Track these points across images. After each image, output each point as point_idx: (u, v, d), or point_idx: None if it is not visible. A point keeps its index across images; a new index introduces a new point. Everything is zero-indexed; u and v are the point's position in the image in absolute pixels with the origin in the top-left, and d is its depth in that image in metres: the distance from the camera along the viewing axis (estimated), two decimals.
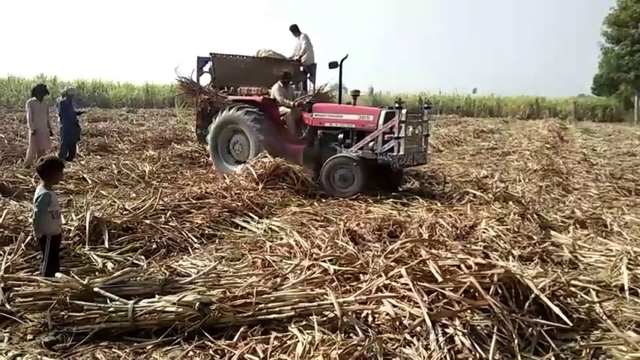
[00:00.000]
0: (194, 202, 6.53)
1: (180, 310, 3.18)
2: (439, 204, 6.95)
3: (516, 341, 3.08)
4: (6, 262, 3.91)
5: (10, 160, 9.84)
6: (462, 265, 3.56)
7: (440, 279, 3.43)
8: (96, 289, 3.36)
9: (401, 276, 3.49)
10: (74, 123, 10.50)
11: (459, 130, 20.34)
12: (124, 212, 5.68)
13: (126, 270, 3.64)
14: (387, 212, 6.49)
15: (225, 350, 3.00)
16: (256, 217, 6.40)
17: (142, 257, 4.75)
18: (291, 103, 8.86)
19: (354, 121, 8.15)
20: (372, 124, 7.94)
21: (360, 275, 3.91)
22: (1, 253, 4.19)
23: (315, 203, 7.33)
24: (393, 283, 3.51)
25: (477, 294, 3.33)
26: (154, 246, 5.07)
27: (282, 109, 9.10)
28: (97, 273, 4.22)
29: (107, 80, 33.92)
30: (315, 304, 3.25)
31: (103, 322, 3.19)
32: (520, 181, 9.20)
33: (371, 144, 7.87)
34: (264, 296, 3.32)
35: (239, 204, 6.62)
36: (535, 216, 6.18)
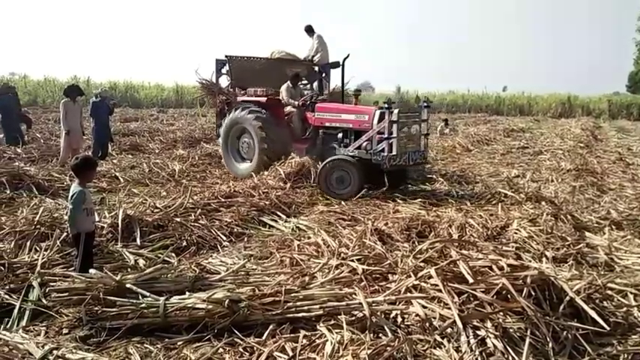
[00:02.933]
0: (223, 200, 6.60)
1: (210, 307, 3.21)
2: (469, 204, 6.85)
3: (550, 345, 3.00)
4: (42, 258, 4.02)
5: (45, 159, 10.11)
6: (494, 266, 3.49)
7: (471, 280, 3.37)
8: (128, 286, 3.42)
9: (430, 276, 3.45)
10: (105, 123, 10.77)
11: (488, 129, 19.98)
12: (155, 210, 5.78)
13: (157, 267, 3.70)
14: (415, 212, 6.41)
15: (255, 348, 3.01)
16: (284, 216, 6.42)
17: (173, 254, 4.82)
18: (296, 103, 8.99)
19: (351, 121, 8.16)
20: (368, 124, 7.90)
21: (389, 275, 3.88)
22: (38, 249, 4.32)
23: (342, 202, 7.32)
24: (423, 284, 3.47)
25: (509, 296, 3.26)
26: (184, 244, 5.16)
27: (288, 108, 9.24)
28: (129, 269, 4.30)
29: (138, 81, 34.74)
30: (344, 303, 3.24)
31: (136, 318, 3.25)
32: (553, 181, 8.98)
33: (365, 144, 7.82)
34: (292, 295, 3.32)
35: (267, 203, 6.66)
36: (569, 217, 6.02)
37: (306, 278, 3.69)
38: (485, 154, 13.24)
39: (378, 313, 3.20)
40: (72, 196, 3.87)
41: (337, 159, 7.85)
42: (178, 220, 5.55)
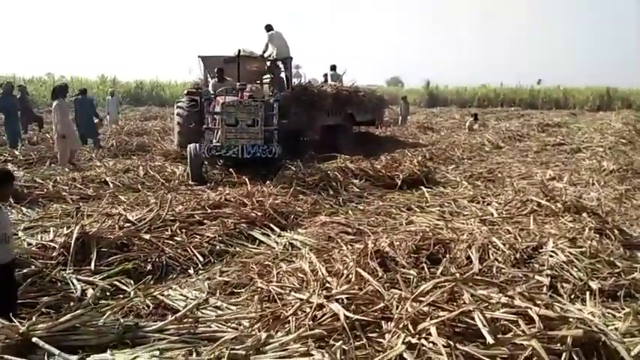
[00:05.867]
0: (209, 211, 5.79)
1: None
2: (495, 214, 5.83)
3: None
4: None
5: (44, 162, 9.53)
6: (520, 321, 2.55)
7: (490, 340, 2.45)
8: (34, 340, 2.62)
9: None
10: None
11: (521, 123, 18.72)
12: (126, 225, 5.02)
13: (76, 314, 2.87)
14: (432, 223, 5.50)
15: None
16: (278, 229, 5.58)
17: (131, 282, 4.03)
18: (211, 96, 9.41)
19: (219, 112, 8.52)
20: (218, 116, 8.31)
21: (383, 322, 2.97)
22: None
23: (350, 212, 6.43)
24: (424, 342, 2.57)
25: None
26: (149, 267, 4.36)
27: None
28: (71, 303, 3.55)
29: (165, 80, 34.39)
30: None
31: None
32: (594, 184, 7.84)
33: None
34: None
35: (259, 213, 5.81)
36: (616, 232, 5.00)
37: (263, 337, 2.72)
38: (517, 152, 12.10)
39: None
40: None
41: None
42: (147, 237, 4.76)
